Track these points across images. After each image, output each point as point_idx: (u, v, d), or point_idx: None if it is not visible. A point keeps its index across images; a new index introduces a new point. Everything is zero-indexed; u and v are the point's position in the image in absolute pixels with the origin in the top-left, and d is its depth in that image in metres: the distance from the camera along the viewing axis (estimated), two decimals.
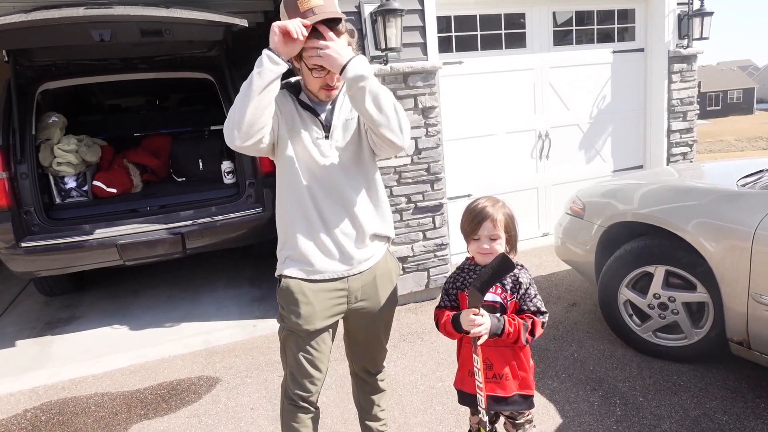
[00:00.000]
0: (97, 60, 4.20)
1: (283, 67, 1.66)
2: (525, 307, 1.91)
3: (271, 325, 4.02)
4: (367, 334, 2.09)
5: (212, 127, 4.88)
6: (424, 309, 4.14)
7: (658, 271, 3.00)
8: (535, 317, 1.90)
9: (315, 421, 2.02)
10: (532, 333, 1.88)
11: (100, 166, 4.57)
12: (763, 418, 2.51)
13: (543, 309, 1.92)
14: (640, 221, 3.11)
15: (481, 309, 1.82)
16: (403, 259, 4.09)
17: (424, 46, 3.91)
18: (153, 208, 4.23)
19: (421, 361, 3.34)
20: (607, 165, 5.75)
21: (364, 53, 3.69)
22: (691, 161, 5.78)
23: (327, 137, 1.83)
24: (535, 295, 1.93)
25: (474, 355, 1.85)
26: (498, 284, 1.94)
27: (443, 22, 4.70)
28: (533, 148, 5.37)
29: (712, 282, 2.73)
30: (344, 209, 1.87)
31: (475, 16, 4.90)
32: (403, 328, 3.82)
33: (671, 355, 3.06)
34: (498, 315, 1.88)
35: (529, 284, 1.93)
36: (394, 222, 3.97)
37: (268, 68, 1.63)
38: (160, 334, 4.07)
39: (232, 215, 4.20)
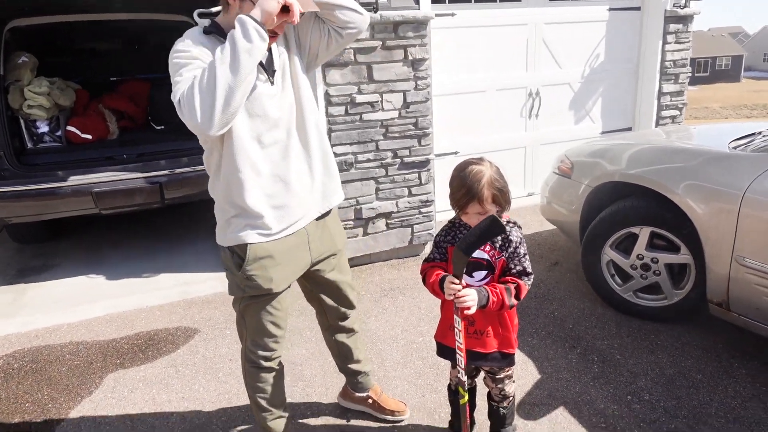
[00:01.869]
0: None
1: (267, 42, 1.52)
2: (512, 267, 1.86)
3: None
4: (335, 276, 2.05)
5: None
6: (407, 265, 4.11)
7: (643, 232, 2.99)
8: (519, 280, 1.86)
9: (280, 377, 2.01)
10: (517, 296, 1.84)
11: (75, 111, 4.38)
12: (735, 377, 2.55)
13: (529, 270, 1.88)
14: (628, 182, 3.07)
15: (464, 281, 1.77)
16: (387, 215, 4.03)
17: None
18: (131, 156, 4.09)
19: (402, 316, 3.33)
20: (596, 126, 5.69)
21: None
22: (680, 125, 5.74)
23: (272, 83, 1.70)
24: (524, 255, 1.89)
25: (455, 316, 1.81)
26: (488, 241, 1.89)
27: None
28: (523, 107, 5.27)
29: (696, 244, 2.72)
30: (299, 160, 1.77)
31: None
32: (384, 283, 3.80)
33: (650, 315, 3.09)
34: (482, 285, 1.83)
35: (520, 243, 1.88)
36: (380, 177, 3.91)
37: (259, 46, 1.47)
38: (138, 285, 4.00)
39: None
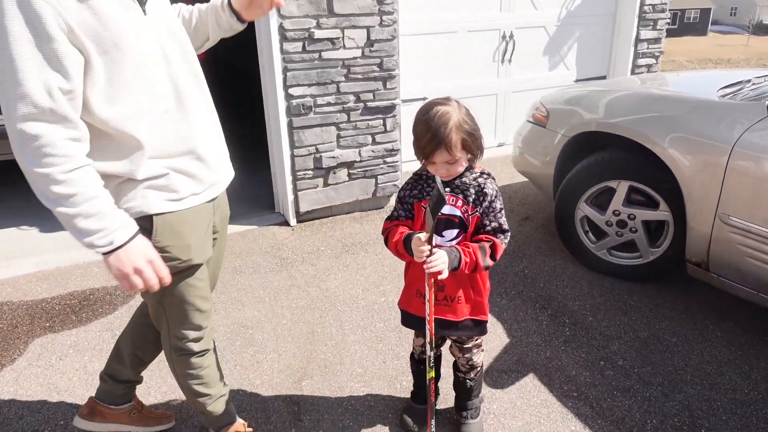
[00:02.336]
0: None
1: None
2: (486, 223, 1.63)
3: None
4: (218, 252, 1.73)
5: None
6: (370, 218, 3.87)
7: (621, 187, 2.80)
8: (495, 237, 1.63)
9: (213, 355, 1.72)
10: (492, 257, 1.62)
11: None
12: (710, 341, 2.44)
13: (506, 227, 1.66)
14: (608, 131, 2.86)
15: (434, 243, 1.53)
16: (349, 164, 3.74)
17: None
18: None
19: (363, 274, 3.10)
20: (570, 73, 5.44)
21: None
22: (656, 73, 5.53)
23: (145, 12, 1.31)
24: (500, 210, 1.66)
25: (426, 285, 1.58)
26: (459, 195, 1.65)
27: None
28: (496, 50, 4.96)
29: (677, 201, 2.55)
30: (198, 117, 1.44)
31: None
32: (346, 238, 3.56)
33: (624, 274, 2.95)
34: (453, 244, 1.60)
35: (495, 197, 1.65)
36: (341, 123, 3.59)
37: None
38: (72, 239, 3.63)
39: None
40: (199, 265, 1.51)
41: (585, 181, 2.95)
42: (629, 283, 2.91)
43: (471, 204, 1.64)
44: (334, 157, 3.66)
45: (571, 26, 5.25)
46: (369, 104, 3.65)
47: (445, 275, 1.53)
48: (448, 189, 1.67)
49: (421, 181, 1.73)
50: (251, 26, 3.52)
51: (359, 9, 3.40)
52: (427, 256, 1.49)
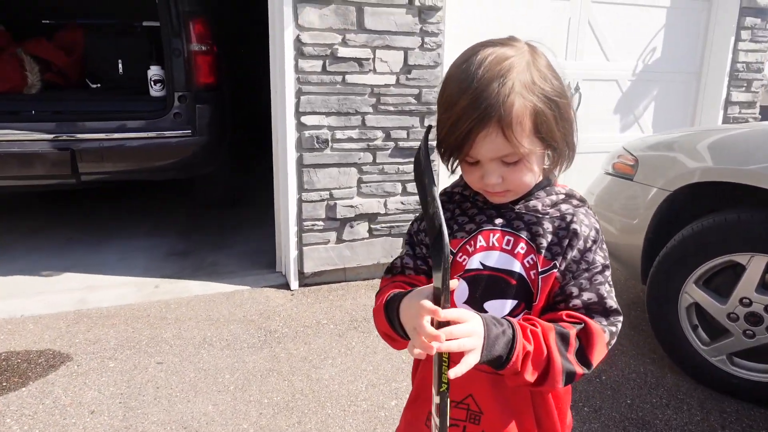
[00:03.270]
0: None
1: None
2: (573, 292, 0.83)
3: (180, 288, 2.92)
4: None
5: (144, 23, 3.72)
6: None
7: (755, 264, 1.90)
8: (589, 319, 0.83)
9: None
10: (582, 356, 0.82)
11: None
12: None
13: (612, 303, 0.85)
14: (725, 181, 2.01)
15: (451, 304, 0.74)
16: (371, 217, 2.98)
17: None
18: (42, 113, 3.09)
19: (372, 362, 2.24)
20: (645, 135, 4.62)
21: None
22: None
23: None
24: (603, 269, 0.85)
25: (433, 412, 0.77)
26: (522, 233, 0.85)
27: None
28: None
29: None
30: None
31: None
32: (357, 310, 2.72)
33: (755, 394, 1.98)
34: (506, 319, 0.81)
35: (594, 242, 0.86)
36: (365, 164, 2.88)
37: None
38: (29, 285, 2.96)
39: (146, 134, 3.07)
40: None
41: (696, 254, 2.06)
42: (765, 409, 1.94)
43: (543, 251, 0.83)
44: (352, 207, 2.91)
45: (648, 82, 4.50)
46: (401, 144, 2.93)
47: (470, 363, 0.73)
48: (499, 221, 0.88)
49: (451, 204, 0.94)
50: (266, 34, 2.93)
51: (396, 26, 2.76)
52: (430, 332, 0.71)
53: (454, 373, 0.75)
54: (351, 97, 2.78)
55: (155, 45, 3.47)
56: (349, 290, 2.97)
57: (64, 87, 3.63)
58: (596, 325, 0.82)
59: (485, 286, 0.85)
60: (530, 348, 0.78)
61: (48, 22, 3.84)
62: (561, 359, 0.80)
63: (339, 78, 2.74)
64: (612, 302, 0.84)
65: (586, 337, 0.82)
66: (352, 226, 2.95)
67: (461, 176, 0.94)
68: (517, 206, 0.87)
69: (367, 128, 2.85)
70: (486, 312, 0.85)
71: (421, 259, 0.92)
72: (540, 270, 0.83)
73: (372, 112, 2.84)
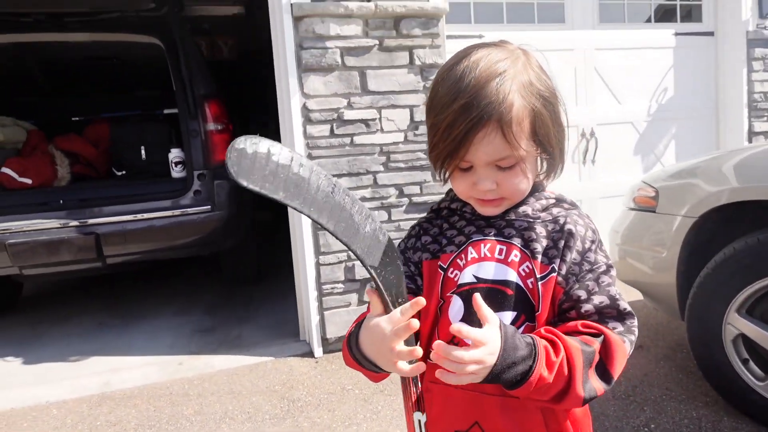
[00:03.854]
0: (14, 15, 3.33)
1: None
2: (581, 296, 0.78)
3: (203, 363, 2.87)
4: None
5: (165, 111, 3.93)
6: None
7: None
8: (605, 327, 0.77)
9: None
10: (603, 372, 0.75)
11: (21, 152, 3.63)
12: None
13: (624, 305, 0.78)
14: (754, 200, 1.91)
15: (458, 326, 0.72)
16: None
17: None
18: (70, 202, 3.22)
19: (399, 425, 2.12)
20: None
21: None
22: None
23: None
24: (607, 269, 0.79)
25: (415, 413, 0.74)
26: (514, 240, 0.81)
27: None
28: (575, 149, 4.20)
29: None
30: None
31: None
32: None
33: None
34: (533, 339, 0.75)
35: (592, 242, 0.81)
36: (382, 221, 2.86)
37: None
38: (57, 371, 2.96)
39: (166, 213, 3.15)
40: None
41: (732, 281, 1.93)
42: None
43: (540, 256, 0.78)
44: None
45: (665, 121, 4.46)
46: (415, 199, 2.92)
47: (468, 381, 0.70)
48: (490, 231, 0.84)
49: (438, 219, 0.91)
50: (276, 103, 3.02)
51: (399, 85, 2.83)
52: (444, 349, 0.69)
53: (457, 379, 0.69)
54: (361, 157, 2.81)
55: (175, 129, 3.64)
56: None
57: (93, 177, 3.81)
58: (616, 336, 0.75)
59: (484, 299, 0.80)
60: (549, 379, 0.71)
61: (78, 118, 4.11)
62: (582, 383, 0.72)
63: (347, 140, 2.79)
64: (625, 304, 0.78)
65: (605, 351, 0.75)
66: (372, 287, 2.89)
67: (448, 191, 0.91)
68: (508, 214, 0.83)
69: (379, 186, 2.86)
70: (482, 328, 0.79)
71: (409, 278, 0.87)
72: (538, 276, 0.78)
73: (383, 170, 2.86)
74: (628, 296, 0.82)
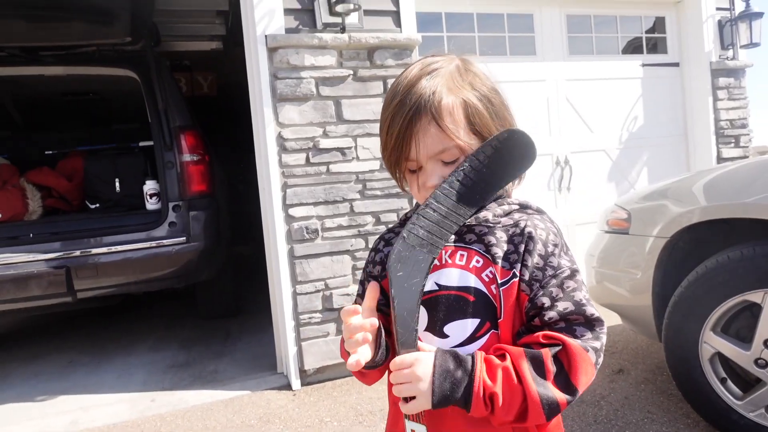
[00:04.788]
0: None
1: None
2: (544, 303, 0.78)
3: (177, 399, 2.77)
4: None
5: (141, 143, 3.90)
6: None
7: None
8: (566, 336, 0.75)
9: None
10: (562, 380, 0.75)
11: None
12: None
13: (592, 311, 0.78)
14: (723, 218, 1.94)
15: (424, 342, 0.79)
16: None
17: (396, 15, 2.95)
18: (41, 235, 3.14)
19: None
20: None
21: (313, 16, 2.75)
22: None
23: None
24: (571, 274, 0.79)
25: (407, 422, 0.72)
26: (474, 246, 0.81)
27: (434, 18, 3.82)
28: (550, 177, 4.26)
29: None
30: None
31: (472, 14, 4.01)
32: (362, 404, 2.55)
33: None
34: (460, 344, 0.80)
35: (556, 246, 0.81)
36: (357, 250, 2.85)
37: None
38: (23, 412, 2.83)
39: (138, 245, 3.09)
40: None
41: (705, 299, 1.94)
42: None
43: (500, 261, 0.77)
44: (348, 295, 2.84)
45: (637, 149, 4.57)
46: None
47: (419, 406, 0.73)
48: (453, 239, 0.83)
49: (401, 227, 0.91)
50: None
51: (374, 114, 2.86)
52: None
53: (406, 409, 0.70)
54: (337, 186, 2.81)
55: (150, 162, 3.61)
56: (354, 385, 2.80)
57: (66, 211, 3.74)
58: (577, 344, 0.74)
59: (445, 309, 0.79)
60: (496, 389, 0.71)
61: (51, 152, 4.06)
62: (538, 389, 0.71)
63: (323, 168, 2.79)
64: (592, 309, 0.77)
65: (567, 360, 0.74)
66: None
67: (416, 203, 0.92)
68: (467, 220, 0.83)
69: (356, 214, 2.85)
70: (447, 336, 0.78)
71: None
72: (500, 281, 0.77)
73: (359, 198, 2.86)
74: (608, 320, 0.80)
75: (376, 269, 0.90)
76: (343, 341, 0.80)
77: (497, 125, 0.81)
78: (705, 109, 4.54)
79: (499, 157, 0.76)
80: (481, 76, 0.84)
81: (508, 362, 0.72)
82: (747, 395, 1.88)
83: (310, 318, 2.78)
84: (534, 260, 0.77)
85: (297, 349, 2.79)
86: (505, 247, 0.79)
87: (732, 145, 4.57)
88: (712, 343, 1.93)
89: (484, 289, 0.78)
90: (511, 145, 0.76)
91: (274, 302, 2.95)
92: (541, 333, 0.75)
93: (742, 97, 4.59)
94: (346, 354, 0.78)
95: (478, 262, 0.79)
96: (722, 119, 4.52)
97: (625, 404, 2.33)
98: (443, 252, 0.82)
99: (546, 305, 0.76)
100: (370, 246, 2.82)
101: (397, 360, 0.74)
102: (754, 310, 1.83)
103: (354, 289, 2.85)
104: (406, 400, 0.73)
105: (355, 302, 0.89)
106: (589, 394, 2.41)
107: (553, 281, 0.77)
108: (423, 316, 0.80)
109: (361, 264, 2.86)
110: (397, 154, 0.81)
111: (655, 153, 4.61)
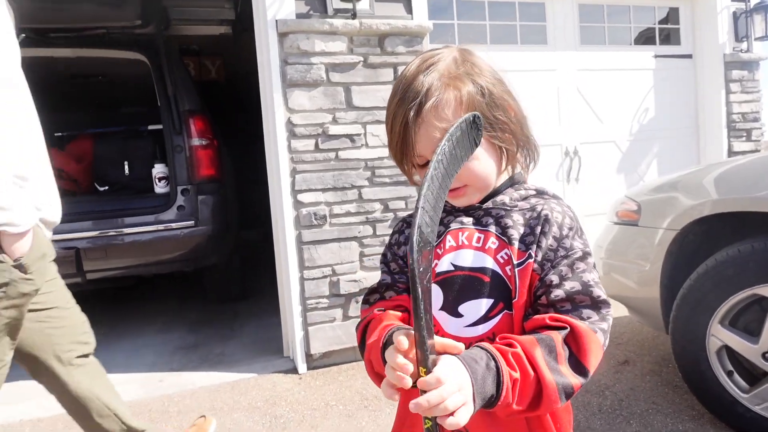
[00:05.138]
0: None
1: None
2: (553, 281, 0.77)
3: (184, 380, 2.81)
4: None
5: (150, 127, 3.91)
6: None
7: None
8: (573, 319, 0.75)
9: None
10: (575, 363, 0.74)
11: None
12: None
13: (599, 293, 0.78)
14: (734, 212, 1.93)
15: (434, 344, 0.68)
16: None
17: (407, 2, 2.93)
18: None
19: None
20: None
21: (324, 1, 2.74)
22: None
23: None
24: (583, 256, 0.79)
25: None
26: (491, 228, 0.80)
27: (446, 5, 3.79)
28: (559, 167, 4.24)
29: None
30: None
31: (484, 2, 3.97)
32: (368, 388, 2.57)
33: None
34: (481, 336, 0.78)
35: (570, 229, 0.81)
36: (365, 237, 2.86)
37: None
38: (31, 389, 2.85)
39: (148, 228, 3.11)
40: None
41: (714, 292, 1.94)
42: None
43: (516, 243, 0.77)
44: (355, 281, 2.85)
45: (647, 141, 4.53)
46: (400, 214, 2.92)
47: (465, 418, 0.65)
48: (468, 220, 0.83)
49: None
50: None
51: (384, 101, 2.83)
52: (416, 387, 0.65)
53: (456, 422, 0.65)
54: (346, 172, 2.81)
55: (159, 145, 3.62)
56: (360, 369, 2.82)
57: (76, 193, 3.76)
58: (584, 326, 0.74)
59: (459, 288, 0.80)
60: (517, 375, 0.70)
61: (60, 134, 4.08)
62: (552, 376, 0.71)
63: (332, 155, 2.79)
64: (600, 291, 0.77)
65: (575, 342, 0.74)
66: (357, 302, 2.87)
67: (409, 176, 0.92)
68: (485, 203, 0.84)
69: (364, 201, 2.85)
70: (461, 316, 0.79)
71: (395, 274, 0.88)
72: (516, 262, 0.78)
73: (368, 185, 2.86)
74: (614, 312, 0.80)
75: (401, 250, 0.91)
76: (368, 355, 0.79)
77: (498, 115, 0.81)
78: (717, 101, 4.49)
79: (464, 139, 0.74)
80: (481, 65, 0.83)
81: (520, 350, 0.72)
82: (753, 388, 1.88)
83: (317, 303, 2.80)
84: (548, 242, 0.78)
85: (303, 333, 2.81)
86: (521, 230, 0.80)
87: (744, 138, 4.52)
88: (719, 335, 1.93)
89: (499, 270, 0.79)
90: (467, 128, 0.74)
91: (281, 287, 2.97)
92: (547, 315, 0.75)
93: (756, 90, 4.54)
94: (374, 375, 0.79)
95: (494, 243, 0.80)
96: (734, 112, 4.48)
97: (630, 395, 2.34)
98: (460, 233, 0.83)
99: (554, 282, 0.76)
100: (378, 233, 2.83)
101: (441, 373, 0.64)
102: (764, 304, 1.83)
103: (361, 275, 2.86)
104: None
105: (382, 289, 0.89)
106: (594, 384, 2.42)
107: (564, 261, 0.77)
108: (438, 295, 0.81)
109: (369, 251, 2.87)
110: (402, 150, 0.82)
111: (665, 145, 4.58)
